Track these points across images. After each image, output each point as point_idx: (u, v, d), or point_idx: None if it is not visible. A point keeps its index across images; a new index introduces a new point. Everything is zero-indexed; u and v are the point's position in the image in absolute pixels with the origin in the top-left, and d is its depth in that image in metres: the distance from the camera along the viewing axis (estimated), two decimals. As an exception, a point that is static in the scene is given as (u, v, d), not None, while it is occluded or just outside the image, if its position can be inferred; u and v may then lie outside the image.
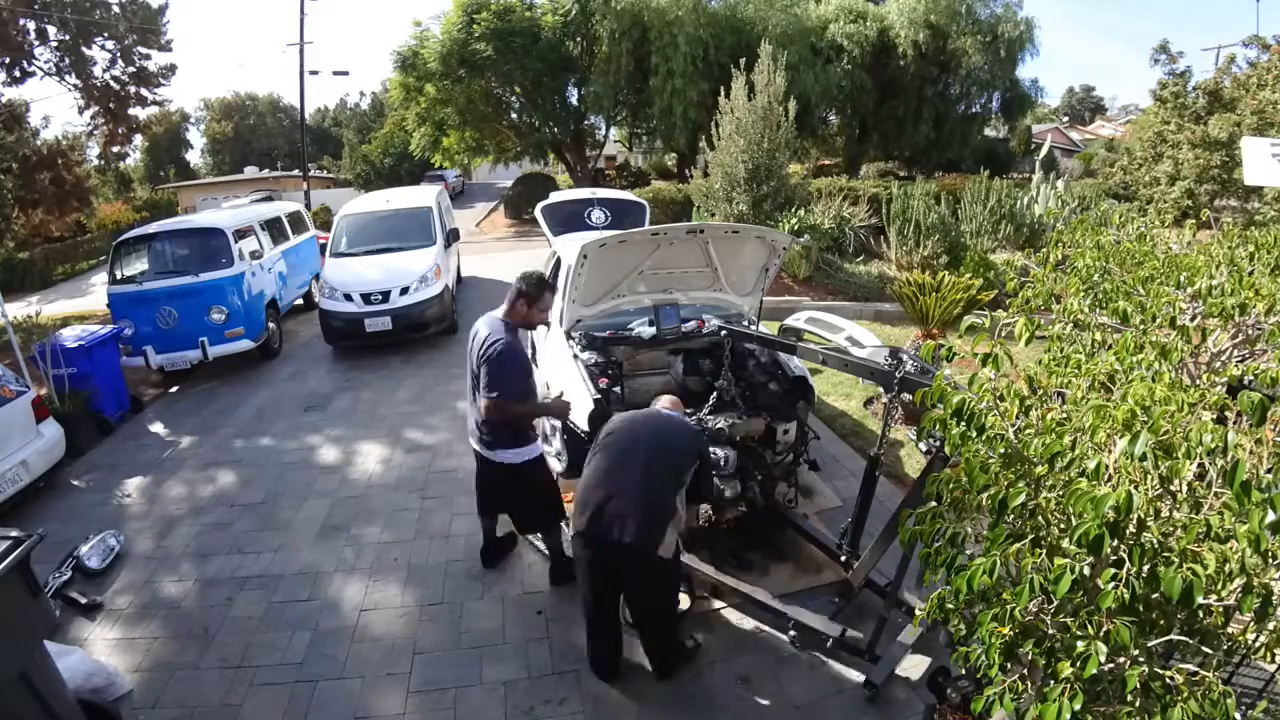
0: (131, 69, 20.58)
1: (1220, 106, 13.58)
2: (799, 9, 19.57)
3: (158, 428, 6.59)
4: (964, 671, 2.53)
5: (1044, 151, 13.98)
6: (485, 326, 3.54)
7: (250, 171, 39.16)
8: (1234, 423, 1.64)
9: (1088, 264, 3.15)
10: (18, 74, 18.33)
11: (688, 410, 3.95)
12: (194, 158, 52.90)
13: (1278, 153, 5.96)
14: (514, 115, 22.95)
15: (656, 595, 3.08)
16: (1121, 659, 1.56)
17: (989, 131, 24.62)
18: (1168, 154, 14.14)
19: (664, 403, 3.41)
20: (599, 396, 4.12)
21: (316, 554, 4.32)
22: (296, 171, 31.48)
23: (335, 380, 7.55)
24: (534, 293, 3.54)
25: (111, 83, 20.46)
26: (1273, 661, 1.60)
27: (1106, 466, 1.56)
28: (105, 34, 19.65)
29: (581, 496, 3.00)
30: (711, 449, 3.81)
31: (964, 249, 9.98)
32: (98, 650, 3.51)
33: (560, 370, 4.62)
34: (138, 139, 28.47)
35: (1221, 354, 2.83)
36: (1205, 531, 1.43)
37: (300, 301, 10.21)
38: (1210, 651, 1.58)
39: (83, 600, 3.89)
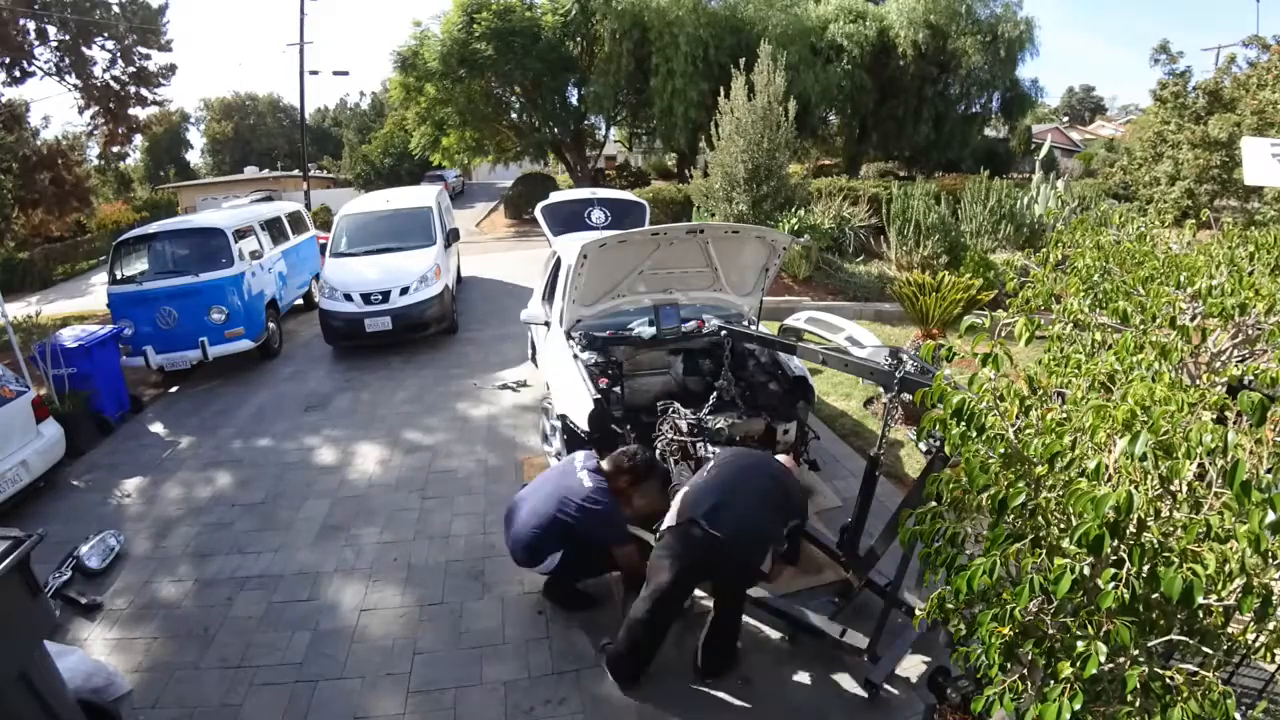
0: (131, 69, 20.58)
1: (1220, 106, 13.58)
2: (799, 9, 19.58)
3: (158, 428, 6.59)
4: (964, 671, 2.53)
5: (1044, 151, 13.98)
6: (585, 467, 3.48)
7: (250, 171, 39.14)
8: (1234, 423, 1.64)
9: (1088, 264, 3.15)
10: (18, 74, 18.34)
11: (688, 410, 3.96)
12: (194, 158, 52.99)
13: (1278, 153, 5.96)
14: (514, 115, 22.96)
15: (742, 599, 3.20)
16: (1121, 659, 1.56)
17: (989, 131, 24.61)
18: (1168, 154, 14.13)
19: (781, 459, 3.52)
20: (599, 397, 4.12)
21: (316, 554, 4.32)
22: (296, 171, 31.49)
23: (335, 380, 7.55)
24: (642, 473, 3.49)
25: (111, 83, 20.46)
26: (1273, 661, 1.60)
27: (1106, 466, 1.56)
28: (105, 34, 19.65)
29: (695, 496, 3.07)
30: (710, 448, 3.81)
31: (964, 249, 9.97)
32: (98, 650, 3.52)
33: (560, 370, 4.62)
34: (138, 139, 28.49)
35: (1221, 354, 2.83)
36: (1205, 531, 1.43)
37: (300, 301, 10.21)
38: (1210, 651, 1.58)
39: (83, 600, 3.89)
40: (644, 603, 3.05)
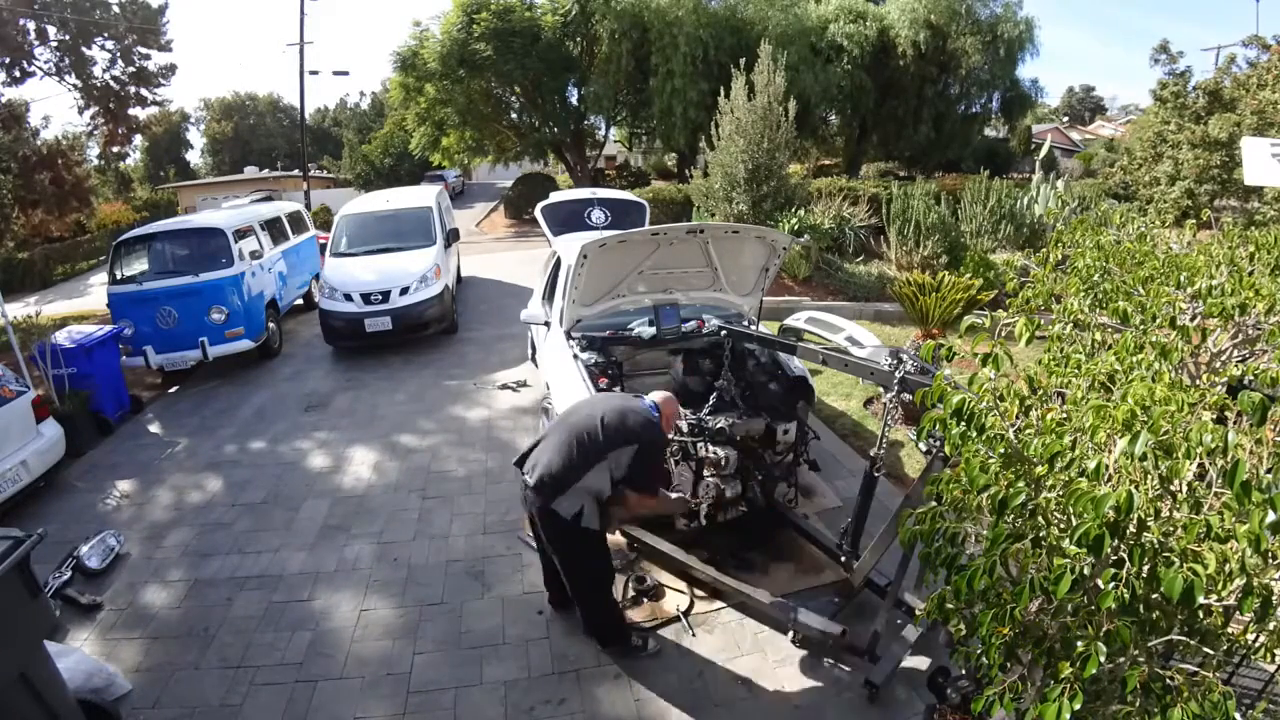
0: (131, 69, 20.61)
1: (1220, 106, 13.57)
2: (799, 9, 19.57)
3: (157, 428, 6.58)
4: (964, 671, 2.53)
5: (1044, 151, 13.97)
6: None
7: (250, 171, 39.15)
8: (1234, 423, 1.64)
9: (1088, 264, 3.16)
10: (18, 74, 18.36)
11: (688, 410, 3.95)
12: (194, 158, 52.96)
13: (1278, 153, 5.96)
14: (514, 115, 22.93)
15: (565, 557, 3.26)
16: (1121, 659, 1.56)
17: (989, 131, 24.61)
18: (1168, 154, 14.13)
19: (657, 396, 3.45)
20: (599, 396, 4.11)
21: (316, 554, 4.32)
22: (296, 171, 31.49)
23: (335, 380, 7.55)
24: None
25: (111, 83, 20.49)
26: (1273, 661, 1.60)
27: (1106, 466, 1.56)
28: (105, 34, 19.67)
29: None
30: (712, 449, 3.81)
31: (964, 249, 9.97)
32: (98, 650, 3.52)
33: (560, 370, 4.62)
34: (138, 139, 28.57)
35: (1221, 354, 2.83)
36: (1205, 531, 1.43)
37: (300, 301, 10.21)
38: (1210, 651, 1.58)
39: (83, 600, 3.89)
40: None
